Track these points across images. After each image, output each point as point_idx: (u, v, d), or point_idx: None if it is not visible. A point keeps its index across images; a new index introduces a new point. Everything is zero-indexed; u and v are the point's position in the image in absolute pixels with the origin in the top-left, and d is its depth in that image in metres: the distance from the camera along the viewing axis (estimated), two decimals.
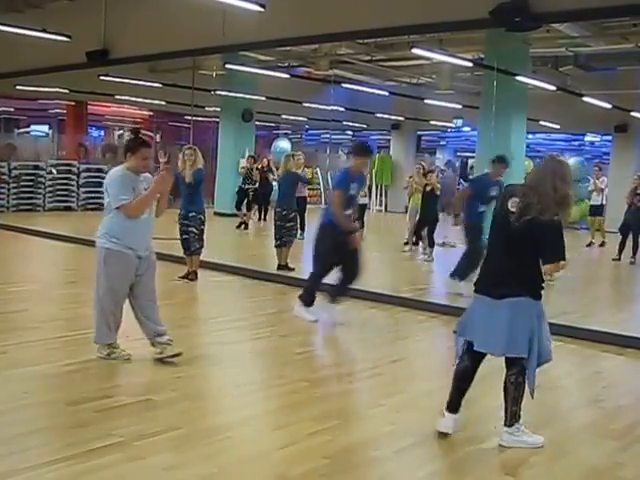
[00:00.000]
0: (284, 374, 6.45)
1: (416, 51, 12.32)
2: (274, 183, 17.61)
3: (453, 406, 5.06)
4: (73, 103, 26.56)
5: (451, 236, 16.68)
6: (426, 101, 21.56)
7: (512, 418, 4.93)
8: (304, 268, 12.29)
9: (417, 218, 14.74)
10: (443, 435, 5.00)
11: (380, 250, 16.08)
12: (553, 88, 16.40)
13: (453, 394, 5.08)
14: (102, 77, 17.08)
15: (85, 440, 4.65)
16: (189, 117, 21.13)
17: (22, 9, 14.47)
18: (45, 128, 29.72)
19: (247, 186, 18.54)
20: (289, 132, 33.18)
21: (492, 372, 5.55)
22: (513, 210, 4.69)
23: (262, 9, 10.13)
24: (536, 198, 4.61)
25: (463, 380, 5.07)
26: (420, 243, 14.99)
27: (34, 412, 5.21)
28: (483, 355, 5.01)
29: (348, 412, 5.54)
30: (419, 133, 29.98)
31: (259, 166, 19.20)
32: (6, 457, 4.39)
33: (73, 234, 15.32)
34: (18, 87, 19.62)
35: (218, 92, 20.21)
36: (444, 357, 7.70)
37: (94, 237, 6.64)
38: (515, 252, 4.77)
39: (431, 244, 14.10)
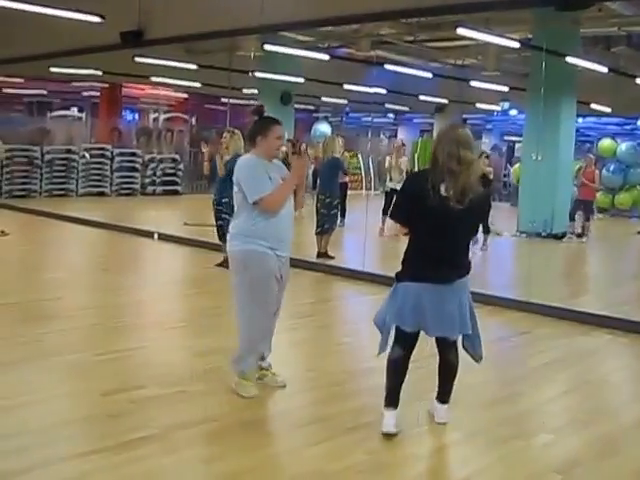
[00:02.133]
0: (322, 366, 6.47)
1: (461, 31, 12.20)
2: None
3: (392, 401, 4.98)
4: (107, 85, 26.76)
5: (498, 224, 16.60)
6: (471, 83, 21.36)
7: (450, 394, 5.19)
8: (345, 256, 12.34)
9: None
10: (389, 436, 4.87)
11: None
12: (605, 70, 16.16)
13: (391, 388, 5.01)
14: (137, 58, 17.17)
15: (120, 431, 4.73)
16: (226, 100, 21.18)
17: None
18: (78, 111, 29.99)
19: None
20: (329, 115, 33.11)
21: (541, 365, 5.57)
22: (447, 195, 4.66)
23: None
24: (465, 176, 4.67)
25: (400, 370, 5.04)
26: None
27: (69, 402, 5.30)
28: (416, 342, 5.08)
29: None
30: (464, 116, 29.71)
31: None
32: (41, 447, 4.47)
33: (106, 220, 15.50)
34: (52, 69, 19.80)
35: (256, 74, 20.22)
36: (488, 350, 7.66)
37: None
38: (456, 234, 4.86)
39: (486, 231, 13.77)
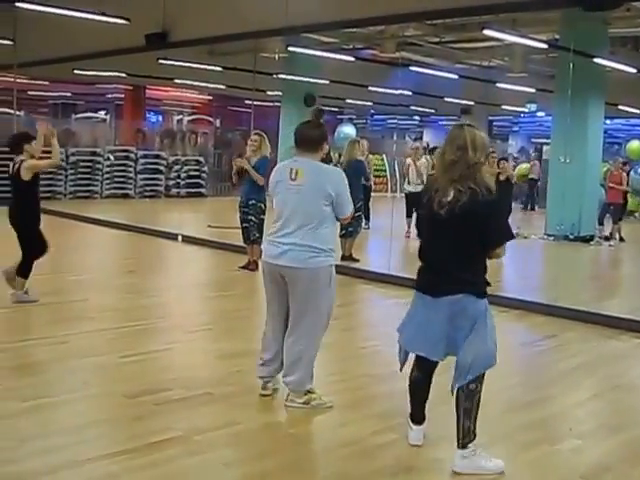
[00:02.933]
0: (347, 369, 6.48)
1: (488, 32, 12.20)
2: None
3: (417, 419, 4.83)
4: (131, 87, 26.96)
5: (524, 227, 16.56)
6: (498, 85, 21.33)
7: (465, 436, 4.51)
8: (370, 259, 12.34)
9: None
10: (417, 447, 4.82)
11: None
12: (633, 71, 16.08)
13: (413, 407, 4.84)
14: (161, 60, 17.27)
15: (145, 433, 4.76)
16: (250, 101, 21.26)
17: None
18: (102, 113, 30.21)
19: None
20: (354, 117, 33.14)
21: (569, 369, 5.55)
22: (436, 198, 4.37)
23: None
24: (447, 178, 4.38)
25: (418, 392, 4.84)
26: None
27: (94, 403, 5.35)
28: (435, 365, 4.76)
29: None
30: (490, 118, 29.69)
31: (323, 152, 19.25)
32: (67, 448, 4.52)
33: (131, 222, 15.60)
34: (76, 71, 19.96)
35: (280, 75, 20.29)
36: (515, 354, 7.66)
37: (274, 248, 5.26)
38: (443, 242, 4.49)
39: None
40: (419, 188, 15.47)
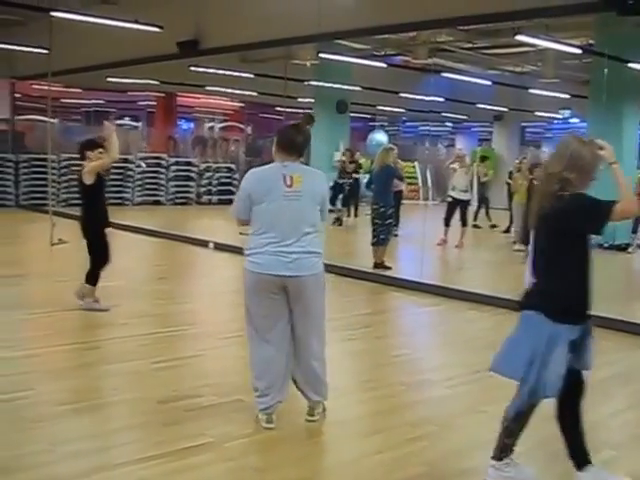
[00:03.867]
0: (379, 377, 6.47)
1: (521, 38, 12.13)
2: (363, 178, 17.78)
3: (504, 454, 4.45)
4: (163, 95, 27.15)
5: None
6: (531, 91, 21.22)
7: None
8: (402, 267, 12.32)
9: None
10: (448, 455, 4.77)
11: (481, 249, 15.96)
12: None
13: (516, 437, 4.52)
14: (192, 68, 17.39)
15: (176, 439, 4.79)
16: (281, 108, 21.32)
17: (114, 1, 14.88)
18: (134, 120, 30.44)
19: (342, 180, 18.62)
20: (385, 124, 33.13)
21: (603, 379, 5.49)
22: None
23: None
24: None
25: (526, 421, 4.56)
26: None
27: (125, 408, 5.39)
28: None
29: (447, 418, 5.51)
30: (523, 125, 29.55)
31: (354, 159, 19.29)
32: (99, 452, 4.57)
33: (162, 229, 15.70)
34: (109, 79, 20.15)
35: (311, 82, 20.33)
36: None
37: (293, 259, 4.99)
38: (535, 251, 4.37)
39: None
40: (464, 195, 15.46)
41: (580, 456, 4.40)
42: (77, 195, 8.87)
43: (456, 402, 5.93)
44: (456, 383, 6.39)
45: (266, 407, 5.10)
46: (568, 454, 4.41)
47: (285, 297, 5.04)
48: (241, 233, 13.25)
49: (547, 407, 5.81)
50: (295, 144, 5.09)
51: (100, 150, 8.26)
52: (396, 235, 15.86)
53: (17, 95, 22.08)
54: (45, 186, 18.32)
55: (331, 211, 18.49)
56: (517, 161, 15.73)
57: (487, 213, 19.17)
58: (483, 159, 19.42)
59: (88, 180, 8.11)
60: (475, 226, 18.83)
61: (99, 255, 8.28)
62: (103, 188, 8.46)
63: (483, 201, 19.49)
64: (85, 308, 8.17)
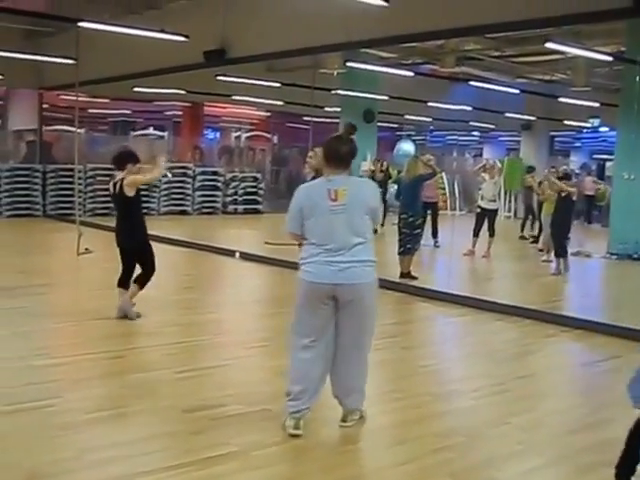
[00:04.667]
0: (406, 387, 6.49)
1: (550, 45, 12.09)
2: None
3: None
4: (189, 105, 27.33)
5: (586, 245, 16.37)
6: (560, 99, 21.16)
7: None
8: (429, 277, 12.32)
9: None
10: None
11: (509, 259, 15.92)
12: None
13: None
14: (219, 77, 17.51)
15: (202, 447, 4.83)
16: (308, 118, 21.39)
17: (140, 11, 15.04)
18: (160, 130, 30.69)
19: None
20: (413, 133, 33.15)
21: None
22: None
23: (386, 4, 10.19)
24: None
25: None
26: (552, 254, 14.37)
27: (151, 417, 5.44)
28: None
29: (473, 429, 5.52)
30: (552, 134, 29.42)
31: (383, 169, 19.32)
32: (125, 460, 4.62)
33: (188, 239, 15.81)
34: (135, 89, 20.33)
35: (338, 91, 20.39)
36: (576, 374, 7.60)
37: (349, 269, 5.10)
38: None
39: (564, 255, 13.32)
40: (492, 205, 15.44)
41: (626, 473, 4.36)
42: (107, 205, 8.94)
43: (482, 413, 5.93)
44: (482, 394, 6.40)
45: (296, 411, 5.17)
46: (617, 464, 4.37)
47: (334, 306, 5.16)
48: (267, 242, 13.34)
49: (572, 420, 5.82)
50: (340, 156, 5.19)
51: (139, 165, 8.39)
52: (437, 246, 15.90)
53: (45, 106, 22.31)
54: (72, 196, 18.47)
55: None
56: (547, 171, 15.67)
57: (532, 225, 18.93)
58: (530, 170, 19.06)
59: (130, 192, 8.20)
60: (522, 237, 18.70)
61: (151, 262, 8.38)
62: (141, 199, 8.58)
63: (530, 212, 19.20)
64: (121, 305, 8.25)
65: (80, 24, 12.92)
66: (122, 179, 8.20)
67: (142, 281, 8.40)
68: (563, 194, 13.20)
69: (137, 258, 8.41)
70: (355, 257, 5.10)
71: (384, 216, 19.43)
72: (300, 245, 5.45)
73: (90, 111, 27.36)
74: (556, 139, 30.88)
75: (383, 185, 18.70)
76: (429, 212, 15.83)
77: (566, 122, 25.80)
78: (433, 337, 9.06)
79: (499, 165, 18.03)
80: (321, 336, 5.20)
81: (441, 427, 5.50)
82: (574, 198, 13.50)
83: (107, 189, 8.66)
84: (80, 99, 15.85)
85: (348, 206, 5.09)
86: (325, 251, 5.10)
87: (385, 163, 20.23)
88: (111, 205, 19.78)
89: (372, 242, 5.29)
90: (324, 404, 5.61)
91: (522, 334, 8.96)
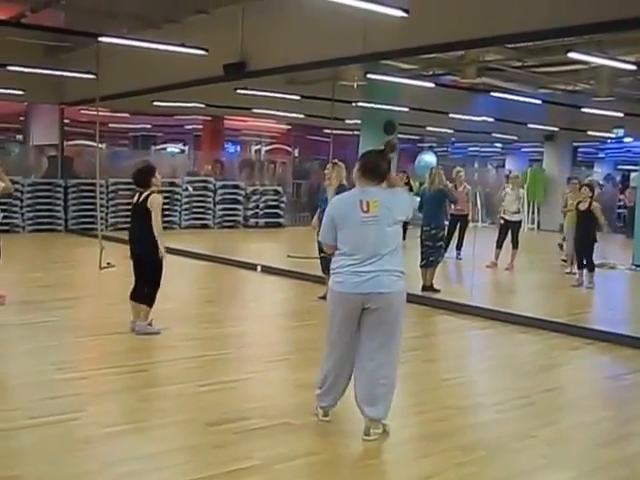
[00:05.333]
0: (429, 401, 6.48)
1: (573, 55, 12.06)
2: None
3: None
4: (209, 118, 27.45)
5: (610, 257, 16.28)
6: (583, 109, 21.08)
7: None
8: (451, 289, 12.29)
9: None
10: None
11: (532, 271, 15.86)
12: None
13: None
14: (239, 90, 17.58)
15: (224, 461, 4.85)
16: (328, 130, 21.42)
17: (160, 25, 15.15)
18: (180, 145, 30.86)
19: None
20: (434, 145, 33.12)
21: None
22: None
23: (405, 14, 10.22)
24: None
25: None
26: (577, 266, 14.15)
27: (173, 431, 5.46)
28: None
29: (496, 443, 5.50)
30: (575, 145, 29.29)
31: (405, 181, 19.30)
32: (147, 474, 4.66)
33: (210, 252, 15.87)
34: (155, 103, 20.45)
35: (359, 103, 20.41)
36: (601, 387, 7.56)
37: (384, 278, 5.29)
38: None
39: (591, 268, 13.14)
40: (515, 217, 15.38)
41: None
42: (129, 219, 8.97)
43: (507, 427, 5.91)
44: (506, 407, 6.37)
45: (325, 405, 5.61)
46: None
47: (360, 315, 5.34)
48: (289, 256, 13.36)
49: (599, 434, 5.79)
50: (379, 170, 5.41)
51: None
52: (460, 258, 15.87)
53: (66, 121, 22.50)
54: (93, 210, 18.62)
55: None
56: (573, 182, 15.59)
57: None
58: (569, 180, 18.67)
59: (155, 207, 8.26)
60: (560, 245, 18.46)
61: (158, 277, 8.41)
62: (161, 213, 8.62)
63: None
64: (139, 332, 8.28)
65: (100, 39, 13.04)
66: (151, 192, 8.29)
67: (149, 301, 8.39)
68: (582, 207, 13.03)
69: (147, 269, 8.42)
70: (383, 267, 5.27)
71: (406, 229, 19.30)
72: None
73: (111, 126, 27.55)
74: (579, 150, 30.74)
75: None
76: (459, 224, 15.83)
77: (589, 132, 25.67)
78: (456, 350, 9.03)
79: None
80: (349, 343, 5.40)
81: (465, 441, 5.48)
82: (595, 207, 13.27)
83: (129, 203, 8.71)
84: (101, 114, 15.96)
85: (379, 218, 5.28)
86: (355, 261, 5.28)
87: (407, 175, 20.18)
88: None
89: (401, 253, 5.43)
90: (346, 417, 5.62)
91: (546, 347, 8.92)
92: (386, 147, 5.70)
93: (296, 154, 30.70)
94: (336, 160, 11.03)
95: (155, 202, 8.27)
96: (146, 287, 8.43)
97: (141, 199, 8.34)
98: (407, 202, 5.68)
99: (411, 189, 19.61)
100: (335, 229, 5.40)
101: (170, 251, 15.61)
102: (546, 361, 8.41)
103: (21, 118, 25.25)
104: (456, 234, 15.91)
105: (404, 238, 18.49)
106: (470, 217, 16.86)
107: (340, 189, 10.10)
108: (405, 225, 18.51)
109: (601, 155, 32.40)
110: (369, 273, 5.24)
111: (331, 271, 5.49)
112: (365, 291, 5.23)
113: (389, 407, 5.42)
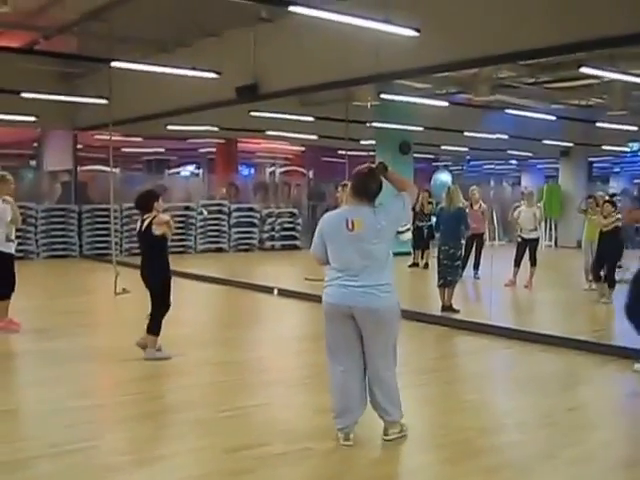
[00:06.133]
0: (451, 423, 6.41)
1: (585, 70, 12.06)
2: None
3: None
4: (223, 141, 27.55)
5: (628, 273, 16.14)
6: (597, 124, 21.04)
7: None
8: (470, 309, 12.22)
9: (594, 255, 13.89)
10: None
11: (551, 289, 15.77)
12: None
13: None
14: (252, 112, 17.64)
15: None
16: (343, 152, 21.43)
17: (171, 49, 15.26)
18: (194, 168, 30.96)
19: (422, 223, 18.34)
20: (449, 164, 33.10)
21: None
22: None
23: (417, 34, 10.24)
24: None
25: None
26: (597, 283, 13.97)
27: (193, 458, 5.42)
28: None
29: (521, 465, 5.43)
30: (590, 160, 29.21)
31: (431, 200, 19.18)
32: None
33: (226, 276, 15.86)
34: (169, 127, 20.55)
35: (373, 124, 20.44)
36: (625, 405, 7.47)
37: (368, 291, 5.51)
38: None
39: (611, 284, 13.02)
40: (532, 234, 15.29)
41: None
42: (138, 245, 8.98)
43: (530, 447, 5.83)
44: (529, 428, 6.31)
45: (343, 427, 5.62)
46: None
47: (356, 325, 5.58)
48: (306, 279, 13.36)
49: (624, 453, 5.71)
50: (368, 191, 5.62)
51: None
52: (477, 278, 15.80)
53: (79, 146, 22.63)
54: (108, 236, 18.67)
55: (405, 254, 18.16)
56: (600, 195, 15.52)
57: None
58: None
59: (159, 230, 8.26)
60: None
61: (164, 305, 8.41)
62: (168, 238, 8.62)
63: None
64: (148, 358, 8.26)
65: (112, 64, 13.13)
66: (153, 216, 8.27)
67: (153, 329, 8.34)
68: (607, 225, 12.90)
69: (152, 299, 8.40)
70: (370, 282, 5.51)
71: (423, 250, 19.08)
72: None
73: (124, 150, 27.71)
74: (595, 165, 30.66)
75: (424, 218, 18.45)
76: (475, 243, 15.77)
77: (604, 147, 25.61)
78: (477, 370, 8.96)
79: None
80: (348, 353, 5.64)
81: (489, 463, 5.41)
82: (619, 225, 13.15)
83: None
84: (114, 138, 16.04)
85: (364, 235, 5.51)
86: (343, 275, 5.56)
87: (429, 192, 19.91)
88: None
89: (390, 267, 5.65)
90: (368, 442, 5.57)
91: (568, 365, 8.84)
92: (378, 167, 5.81)
93: (311, 176, 30.72)
94: (346, 182, 11.02)
95: (162, 219, 8.25)
96: (153, 314, 8.38)
97: (144, 226, 8.37)
98: (398, 208, 5.74)
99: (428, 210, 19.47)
100: (324, 244, 5.67)
101: (186, 275, 15.77)
102: (568, 379, 8.33)
103: (35, 144, 25.42)
104: (473, 253, 15.86)
105: (422, 257, 18.37)
106: (486, 236, 16.81)
107: None
108: (427, 244, 18.48)
109: (617, 169, 32.28)
110: (358, 288, 5.49)
111: (324, 284, 5.74)
112: (351, 303, 5.49)
113: (399, 406, 5.74)
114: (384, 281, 5.56)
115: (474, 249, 15.87)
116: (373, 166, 5.89)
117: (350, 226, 5.52)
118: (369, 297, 5.49)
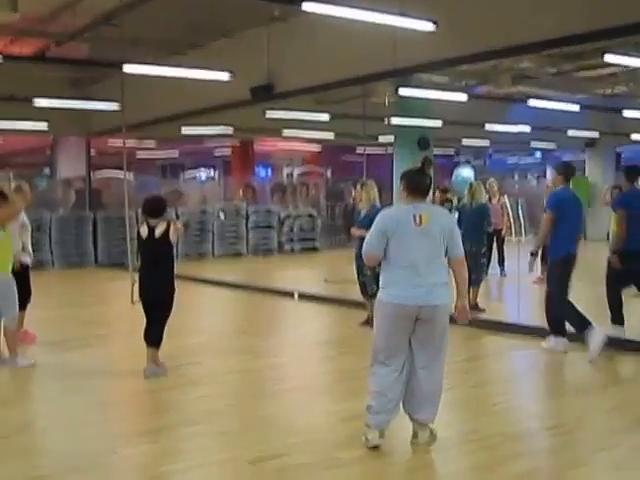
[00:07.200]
0: (480, 428, 6.35)
1: (609, 58, 11.95)
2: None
3: None
4: (239, 143, 27.55)
5: None
6: (624, 113, 20.87)
7: None
8: (496, 308, 12.14)
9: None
10: None
11: (581, 285, 15.63)
12: None
13: None
14: (268, 112, 17.63)
15: None
16: (361, 150, 21.37)
17: (184, 51, 15.27)
18: (210, 171, 30.99)
19: None
20: (471, 159, 32.96)
21: None
22: None
23: (434, 26, 10.17)
24: None
25: None
26: None
27: (215, 470, 5.40)
28: None
29: (554, 470, 5.38)
30: (618, 150, 28.98)
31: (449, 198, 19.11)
32: None
33: (245, 281, 15.85)
34: (184, 130, 20.57)
35: (391, 120, 20.36)
36: None
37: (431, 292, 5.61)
38: None
39: None
40: None
41: None
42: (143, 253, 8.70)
43: (562, 452, 5.78)
44: (560, 431, 6.25)
45: (377, 424, 5.67)
46: None
47: (412, 326, 5.63)
48: (326, 280, 13.29)
49: None
50: (422, 187, 5.83)
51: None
52: (504, 275, 15.71)
53: (93, 152, 22.70)
54: (123, 243, 18.68)
55: None
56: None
57: None
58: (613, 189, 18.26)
59: (175, 236, 8.15)
60: None
61: (170, 312, 8.26)
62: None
63: None
64: (148, 375, 8.03)
65: (125, 68, 13.14)
66: (168, 223, 8.13)
67: (157, 342, 8.17)
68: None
69: (162, 310, 8.24)
70: (435, 279, 5.64)
71: None
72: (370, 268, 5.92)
73: (139, 155, 27.76)
74: (623, 155, 30.40)
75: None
76: (494, 239, 15.66)
77: (632, 136, 25.39)
78: (504, 372, 8.89)
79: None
80: (399, 354, 5.68)
81: (520, 468, 5.36)
82: None
83: None
84: (128, 143, 16.06)
85: (431, 231, 5.68)
86: (408, 273, 5.62)
87: (448, 190, 19.87)
88: None
89: (446, 264, 5.82)
90: (395, 450, 5.52)
91: (599, 365, 8.73)
92: (424, 164, 6.01)
93: (329, 175, 30.67)
94: (364, 180, 10.95)
95: (179, 232, 8.19)
96: (157, 327, 8.20)
97: (157, 233, 8.06)
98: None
99: (451, 209, 19.39)
100: (385, 241, 5.68)
101: (203, 281, 15.77)
102: (599, 380, 8.24)
103: (48, 152, 25.52)
104: (494, 250, 15.76)
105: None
106: (504, 231, 16.69)
107: (372, 211, 9.93)
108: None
109: None
110: (423, 285, 5.58)
111: (382, 284, 5.75)
112: (421, 303, 5.56)
113: (437, 411, 5.77)
114: (445, 279, 5.73)
115: (495, 245, 15.76)
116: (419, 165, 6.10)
117: (418, 221, 5.64)
118: (437, 294, 5.62)
